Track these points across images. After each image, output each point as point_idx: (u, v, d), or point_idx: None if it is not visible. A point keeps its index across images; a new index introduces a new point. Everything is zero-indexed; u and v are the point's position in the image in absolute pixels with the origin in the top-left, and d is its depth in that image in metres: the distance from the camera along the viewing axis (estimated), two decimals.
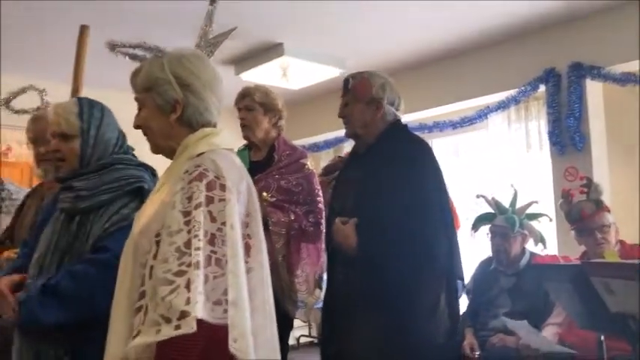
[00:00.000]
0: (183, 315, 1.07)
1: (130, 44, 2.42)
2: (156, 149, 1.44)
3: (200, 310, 1.08)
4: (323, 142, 6.22)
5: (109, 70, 2.87)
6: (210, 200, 1.19)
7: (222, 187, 1.22)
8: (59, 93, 2.56)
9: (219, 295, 1.13)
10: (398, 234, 1.91)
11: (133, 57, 2.48)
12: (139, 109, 1.43)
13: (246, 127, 2.55)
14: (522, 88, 4.36)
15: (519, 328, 2.72)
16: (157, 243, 1.20)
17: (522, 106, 4.58)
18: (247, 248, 1.25)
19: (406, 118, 2.24)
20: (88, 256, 1.60)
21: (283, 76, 4.76)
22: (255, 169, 2.46)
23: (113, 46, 2.48)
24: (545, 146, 4.38)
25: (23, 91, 2.63)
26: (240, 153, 2.46)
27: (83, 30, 2.58)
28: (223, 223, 1.18)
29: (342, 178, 2.28)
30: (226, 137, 1.40)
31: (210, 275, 1.13)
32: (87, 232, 1.64)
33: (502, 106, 4.54)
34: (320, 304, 2.67)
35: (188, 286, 1.09)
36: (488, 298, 3.11)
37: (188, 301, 1.08)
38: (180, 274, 1.11)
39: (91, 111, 1.78)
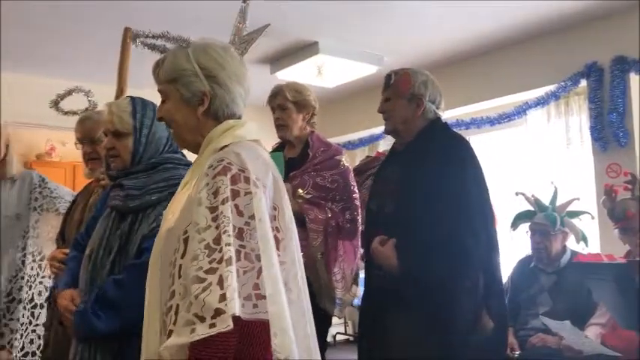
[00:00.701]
0: (218, 313, 1.05)
1: (153, 34, 2.45)
2: (182, 143, 1.41)
3: (237, 307, 1.06)
4: (358, 140, 6.21)
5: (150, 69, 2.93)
6: (235, 194, 1.16)
7: (247, 180, 1.19)
8: (103, 95, 2.62)
9: (249, 290, 1.12)
10: (437, 235, 1.88)
11: (152, 47, 2.51)
12: (163, 101, 1.39)
13: (282, 127, 2.54)
14: (562, 83, 4.26)
15: (561, 328, 2.66)
16: (185, 241, 1.18)
17: (562, 101, 4.48)
18: (276, 242, 1.21)
19: (443, 115, 2.21)
20: (130, 262, 1.64)
21: (318, 74, 4.77)
22: (290, 165, 2.46)
23: (135, 37, 2.52)
24: (587, 142, 4.27)
25: (70, 92, 2.69)
26: (274, 155, 2.48)
27: (126, 32, 2.63)
28: (251, 217, 1.15)
29: (379, 176, 2.25)
30: (251, 129, 1.35)
31: (241, 270, 1.12)
32: (136, 231, 1.68)
33: (541, 101, 4.45)
34: (357, 302, 2.67)
35: (221, 283, 1.07)
36: (528, 297, 3.06)
37: (222, 299, 1.06)
38: (211, 271, 1.09)
39: (143, 110, 1.82)
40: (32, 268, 2.67)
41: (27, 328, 2.60)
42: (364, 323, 2.20)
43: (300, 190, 2.40)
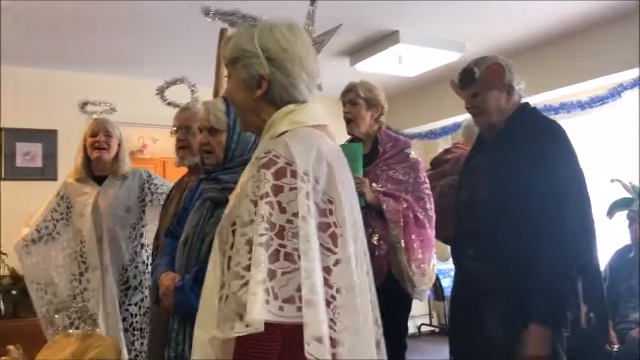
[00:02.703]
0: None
1: (225, 12, 2.51)
2: (244, 125, 1.38)
3: (257, 311, 1.02)
4: (440, 129, 6.10)
5: None
6: (279, 189, 1.10)
7: (294, 174, 1.11)
8: (200, 95, 2.76)
9: (292, 291, 1.05)
10: (533, 223, 1.82)
11: (232, 23, 2.58)
12: (228, 78, 1.37)
13: (350, 122, 2.62)
14: None
15: None
16: (233, 233, 1.16)
17: None
18: (333, 238, 1.14)
19: (530, 101, 2.13)
20: None
21: (399, 63, 4.73)
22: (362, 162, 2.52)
23: (208, 13, 2.59)
24: None
25: (176, 82, 2.83)
26: (354, 146, 2.51)
27: (222, 33, 2.70)
28: (294, 214, 1.09)
29: (469, 165, 2.20)
30: (313, 113, 1.29)
31: (279, 271, 1.06)
32: None
33: (638, 82, 4.20)
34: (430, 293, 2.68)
35: (256, 284, 1.04)
36: (628, 288, 2.92)
37: (254, 302, 1.02)
38: (249, 268, 1.06)
39: None
40: (147, 257, 2.85)
41: (120, 306, 2.79)
42: (456, 315, 2.18)
43: (375, 184, 2.49)
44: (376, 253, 2.38)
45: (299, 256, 1.07)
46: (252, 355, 1.08)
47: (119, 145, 2.94)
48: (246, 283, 1.06)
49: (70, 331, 2.52)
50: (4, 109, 4.75)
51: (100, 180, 2.94)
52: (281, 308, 1.04)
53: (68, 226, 2.93)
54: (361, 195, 2.34)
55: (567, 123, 4.90)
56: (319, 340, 1.04)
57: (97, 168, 2.93)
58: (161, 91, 2.88)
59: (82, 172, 2.92)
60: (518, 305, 1.81)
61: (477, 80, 2.05)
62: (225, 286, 1.15)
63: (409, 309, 2.64)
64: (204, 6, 2.63)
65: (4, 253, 3.56)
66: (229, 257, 1.15)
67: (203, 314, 1.23)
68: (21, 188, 4.73)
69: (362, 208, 2.38)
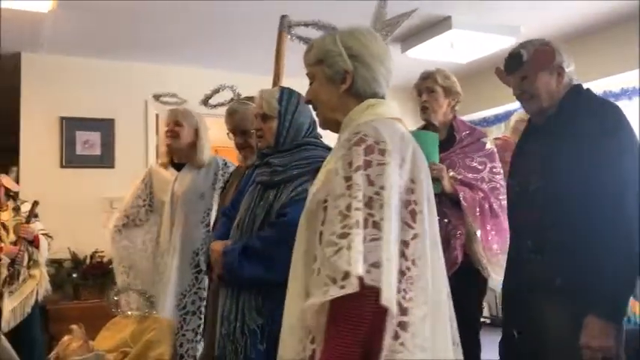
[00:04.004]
0: (346, 275, 1.11)
1: (305, 22, 2.53)
2: (324, 123, 1.49)
3: (360, 269, 1.11)
4: (493, 117, 5.98)
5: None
6: (368, 164, 1.21)
7: (382, 152, 1.23)
8: (261, 85, 2.77)
9: (377, 257, 1.15)
10: (589, 213, 1.74)
11: (306, 41, 2.59)
12: (310, 84, 1.48)
13: (427, 109, 2.61)
14: None
15: None
16: (324, 209, 1.26)
17: None
18: (412, 214, 1.25)
19: (591, 87, 2.05)
20: (272, 221, 1.86)
21: (451, 49, 4.65)
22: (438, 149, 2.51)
23: (288, 26, 2.61)
24: None
25: (217, 91, 2.89)
26: (427, 134, 2.51)
27: (282, 20, 2.68)
28: (381, 187, 1.19)
29: (520, 152, 2.11)
30: (392, 107, 1.40)
31: (368, 237, 1.16)
32: (277, 201, 1.89)
33: None
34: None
35: (350, 247, 1.13)
36: None
37: (350, 262, 1.12)
38: (343, 236, 1.15)
39: (289, 98, 2.02)
40: None
41: (190, 289, 2.89)
42: (511, 308, 2.08)
43: (451, 171, 2.48)
44: (451, 241, 2.38)
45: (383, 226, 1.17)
46: (347, 319, 1.14)
47: (196, 134, 3.02)
48: (339, 249, 1.14)
49: (129, 312, 2.62)
50: (64, 99, 4.94)
51: (179, 167, 3.07)
52: (369, 272, 1.14)
53: (151, 212, 3.09)
54: (438, 181, 2.35)
55: (629, 110, 4.77)
56: (389, 303, 1.13)
57: (176, 155, 3.08)
58: (204, 102, 2.94)
59: (165, 158, 3.11)
60: (585, 302, 1.73)
61: (525, 63, 1.96)
62: (317, 259, 1.23)
63: (484, 291, 2.65)
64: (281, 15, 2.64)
65: (50, 236, 3.72)
66: (320, 232, 1.25)
67: (292, 288, 1.33)
68: (80, 175, 4.93)
69: (436, 195, 2.40)
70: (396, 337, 1.17)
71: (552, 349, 1.83)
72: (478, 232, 2.41)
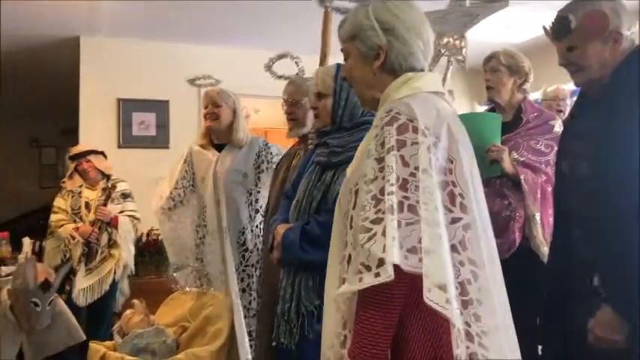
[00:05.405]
0: (381, 262, 1.06)
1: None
2: (362, 101, 1.45)
3: (396, 256, 1.06)
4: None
5: None
6: (401, 144, 1.15)
7: (415, 130, 1.16)
8: (307, 65, 2.80)
9: (414, 242, 1.09)
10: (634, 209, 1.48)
11: (344, 12, 2.57)
12: (345, 60, 1.42)
13: (491, 89, 2.56)
14: None
15: None
16: (356, 193, 1.20)
17: None
18: (451, 197, 1.17)
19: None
20: (329, 207, 1.81)
21: (506, 28, 4.53)
22: (502, 130, 2.47)
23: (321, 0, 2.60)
24: None
25: (281, 57, 2.88)
26: (490, 115, 2.48)
27: None
28: (416, 168, 1.13)
29: (569, 131, 1.89)
30: (431, 80, 1.32)
31: (403, 222, 1.10)
32: (335, 182, 1.88)
33: None
34: None
35: (384, 233, 1.08)
36: None
37: (384, 249, 1.07)
38: (377, 221, 1.10)
39: None
40: (260, 222, 2.99)
41: (239, 267, 2.93)
42: (552, 305, 1.86)
43: (514, 153, 2.42)
44: (510, 223, 2.34)
45: (420, 208, 1.11)
46: (377, 303, 1.12)
47: (234, 114, 3.05)
48: (373, 236, 1.10)
49: (188, 289, 2.70)
50: (121, 81, 5.08)
51: (219, 147, 3.10)
52: (405, 257, 1.08)
53: (194, 192, 3.14)
54: (498, 162, 2.31)
55: None
56: (442, 287, 1.07)
57: (216, 136, 3.11)
58: (269, 67, 2.94)
59: (204, 140, 3.12)
60: (623, 301, 1.53)
61: (572, 31, 1.69)
62: (347, 245, 1.20)
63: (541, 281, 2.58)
64: None
65: (137, 218, 3.85)
66: (351, 217, 1.21)
67: (330, 273, 1.31)
68: (136, 155, 5.06)
69: (498, 177, 2.36)
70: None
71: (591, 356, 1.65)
72: (537, 216, 2.34)
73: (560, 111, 3.55)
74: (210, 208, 2.99)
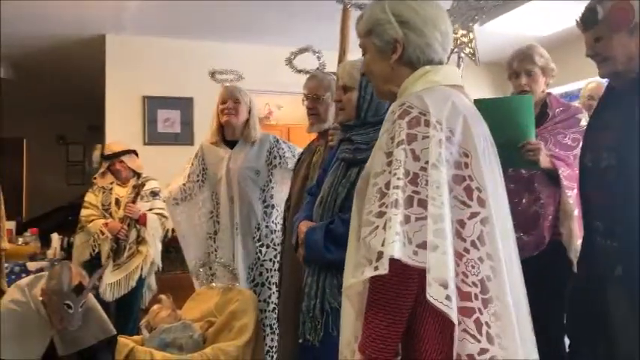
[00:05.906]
0: (380, 256, 1.06)
1: None
2: (381, 95, 1.44)
3: (396, 250, 1.05)
4: (577, 91, 5.67)
5: None
6: (412, 138, 1.14)
7: (427, 124, 1.14)
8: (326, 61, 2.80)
9: (425, 237, 1.08)
10: None
11: (363, 8, 2.56)
12: (363, 55, 1.41)
13: (526, 93, 2.51)
14: None
15: None
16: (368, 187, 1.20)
17: None
18: (468, 191, 1.15)
19: None
20: None
21: (531, 22, 4.47)
22: None
23: None
24: None
25: (302, 51, 2.89)
26: (521, 97, 2.40)
27: None
28: (427, 162, 1.12)
29: (594, 123, 1.88)
30: (449, 73, 1.31)
31: (413, 216, 1.09)
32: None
33: None
34: None
35: (385, 227, 1.08)
36: None
37: (384, 242, 1.06)
38: (380, 215, 1.10)
39: None
40: (277, 217, 3.02)
41: (256, 262, 2.99)
42: (574, 301, 1.90)
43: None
44: (539, 221, 2.31)
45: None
46: (384, 299, 1.11)
47: (249, 111, 3.08)
48: (375, 229, 1.10)
49: (213, 284, 2.72)
50: (147, 79, 5.13)
51: (232, 144, 3.12)
52: (415, 253, 1.08)
53: (203, 187, 3.16)
54: (535, 163, 2.24)
55: None
56: (443, 284, 1.06)
57: (229, 133, 3.11)
58: (290, 61, 2.95)
59: (217, 136, 3.12)
60: None
61: (600, 22, 1.69)
62: (360, 238, 1.19)
63: (568, 276, 2.54)
64: None
65: (165, 216, 3.89)
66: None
67: (347, 265, 1.31)
68: (161, 152, 5.10)
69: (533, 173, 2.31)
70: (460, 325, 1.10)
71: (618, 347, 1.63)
72: (576, 211, 2.25)
73: None
74: (224, 205, 3.02)
